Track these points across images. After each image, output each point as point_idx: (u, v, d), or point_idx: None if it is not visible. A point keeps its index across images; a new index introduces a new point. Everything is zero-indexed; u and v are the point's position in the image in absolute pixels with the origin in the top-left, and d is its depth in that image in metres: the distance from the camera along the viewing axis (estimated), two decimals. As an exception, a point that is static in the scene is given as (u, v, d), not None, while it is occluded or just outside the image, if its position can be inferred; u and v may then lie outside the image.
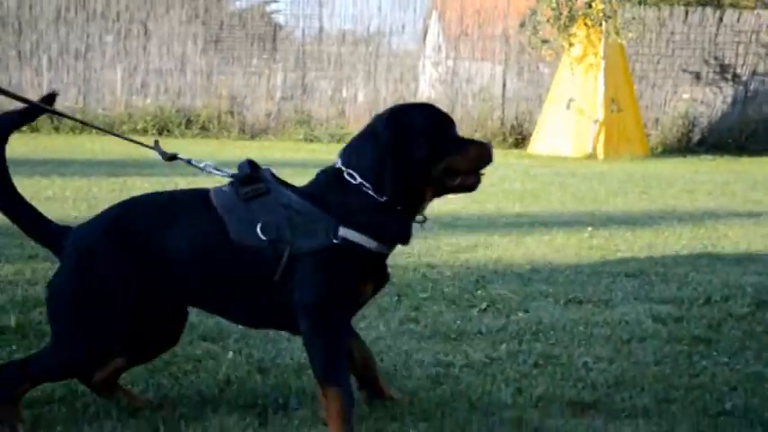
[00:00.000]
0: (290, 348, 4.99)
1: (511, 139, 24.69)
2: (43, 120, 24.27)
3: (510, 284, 6.85)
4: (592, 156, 21.84)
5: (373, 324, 5.57)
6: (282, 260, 3.90)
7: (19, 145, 19.94)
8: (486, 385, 4.46)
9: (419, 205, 4.19)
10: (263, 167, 4.14)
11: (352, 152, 4.09)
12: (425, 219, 4.28)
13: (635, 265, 7.74)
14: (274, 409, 4.06)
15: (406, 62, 26.66)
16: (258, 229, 3.92)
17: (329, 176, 4.07)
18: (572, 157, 21.58)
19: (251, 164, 4.14)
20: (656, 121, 25.22)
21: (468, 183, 4.19)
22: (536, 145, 23.04)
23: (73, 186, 12.03)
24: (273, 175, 4.13)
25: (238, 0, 27.34)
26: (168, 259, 3.98)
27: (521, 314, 5.94)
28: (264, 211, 3.97)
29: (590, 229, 9.68)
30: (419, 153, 4.01)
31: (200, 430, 3.79)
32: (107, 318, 3.93)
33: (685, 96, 25.97)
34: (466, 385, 4.46)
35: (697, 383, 4.60)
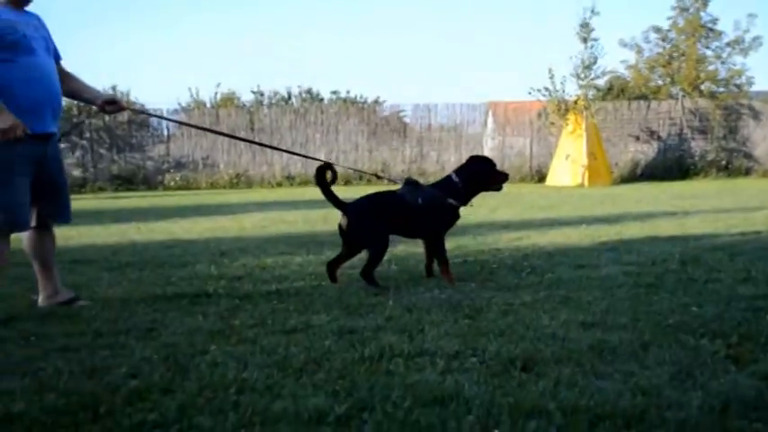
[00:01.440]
0: (423, 297, 4.89)
1: (536, 178, 24.37)
2: (284, 180, 24.63)
3: (542, 258, 6.73)
4: (581, 185, 21.50)
5: (467, 282, 5.49)
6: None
7: (272, 194, 20.33)
8: (533, 315, 4.35)
9: (474, 194, 5.72)
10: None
11: (458, 170, 5.73)
12: (473, 204, 5.79)
13: (611, 244, 7.54)
14: (417, 331, 3.98)
15: (476, 139, 26.46)
16: (419, 199, 5.50)
17: (446, 178, 5.73)
18: (570, 186, 21.26)
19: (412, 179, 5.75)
20: (616, 164, 24.70)
21: (497, 188, 5.76)
22: (550, 180, 22.79)
23: (300, 215, 12.12)
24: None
25: (384, 110, 27.22)
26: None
27: (549, 274, 5.80)
28: (419, 193, 5.55)
29: (584, 225, 9.46)
30: (482, 173, 5.73)
31: (377, 345, 3.70)
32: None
33: (632, 150, 25.48)
34: (522, 315, 4.35)
35: (652, 310, 4.45)
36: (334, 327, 4.14)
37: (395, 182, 5.97)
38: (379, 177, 7.00)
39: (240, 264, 6.75)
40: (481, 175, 5.70)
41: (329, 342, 3.82)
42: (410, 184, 5.65)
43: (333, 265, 5.62)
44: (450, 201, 5.58)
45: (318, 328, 4.12)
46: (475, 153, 31.12)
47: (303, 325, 4.21)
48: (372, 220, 5.42)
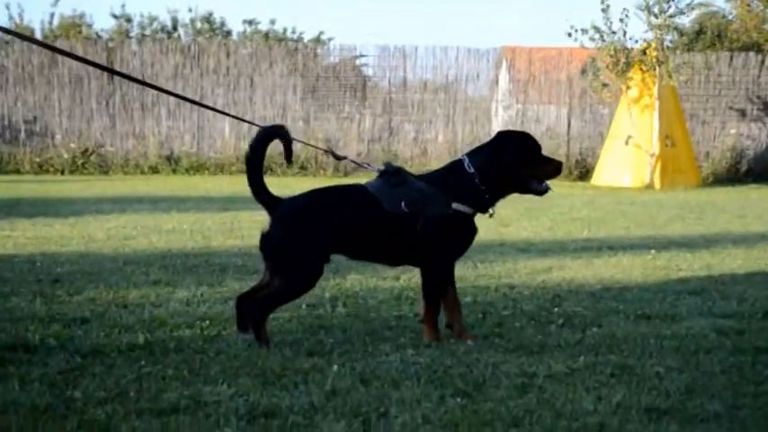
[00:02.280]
0: (388, 361, 4.91)
1: (576, 172, 24.52)
2: (162, 162, 24.60)
3: (583, 302, 6.77)
4: (649, 186, 21.73)
5: (450, 341, 5.49)
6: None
7: (141, 184, 20.26)
8: (568, 394, 4.37)
9: (501, 196, 5.64)
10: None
11: (476, 153, 5.61)
12: (493, 213, 5.67)
13: (696, 283, 7.62)
14: (377, 416, 3.98)
15: (481, 106, 26.66)
16: (402, 203, 5.34)
17: (454, 166, 5.62)
18: (631, 188, 21.48)
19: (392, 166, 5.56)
20: (707, 154, 25.01)
21: (539, 189, 5.66)
22: (599, 177, 22.97)
23: (189, 220, 12.07)
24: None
25: (330, 55, 27.31)
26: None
27: (595, 329, 5.84)
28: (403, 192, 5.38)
29: (653, 251, 9.54)
30: (515, 163, 5.53)
31: (310, 437, 3.70)
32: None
33: (732, 131, 25.79)
34: (550, 394, 4.37)
35: (762, 391, 4.50)
36: (239, 405, 4.11)
37: (366, 168, 5.95)
38: (337, 158, 6.08)
39: (85, 298, 6.67)
40: (517, 163, 5.55)
41: (231, 431, 3.79)
42: (391, 174, 5.47)
43: (244, 302, 5.49)
44: (459, 206, 5.43)
45: (214, 408, 4.08)
46: (479, 126, 31.46)
47: (188, 401, 4.17)
48: (302, 231, 5.31)
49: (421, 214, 5.34)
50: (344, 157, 6.10)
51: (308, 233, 5.31)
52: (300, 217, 5.37)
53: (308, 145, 7.56)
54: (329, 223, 5.34)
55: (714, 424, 3.96)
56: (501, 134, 5.74)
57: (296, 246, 5.31)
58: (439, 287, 5.50)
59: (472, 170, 5.48)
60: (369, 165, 6.02)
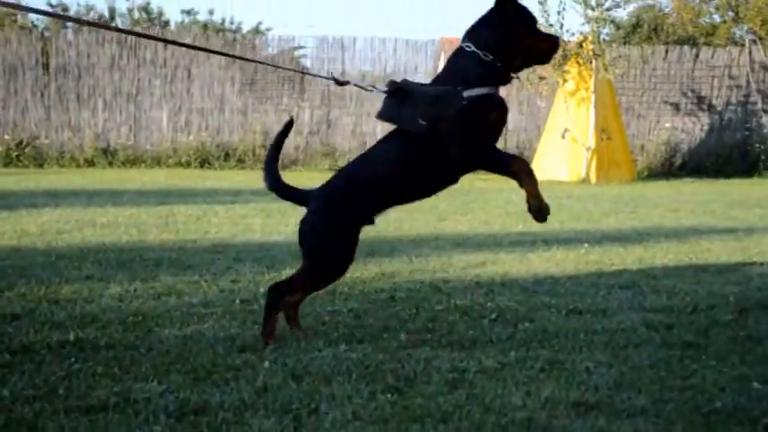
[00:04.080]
0: (320, 357, 4.91)
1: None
2: (98, 155, 24.43)
3: (516, 296, 6.81)
4: (585, 180, 21.94)
5: (393, 334, 5.51)
6: None
7: (76, 177, 20.10)
8: (498, 389, 4.39)
9: (518, 64, 5.32)
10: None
11: (474, 29, 5.31)
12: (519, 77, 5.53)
13: (628, 278, 7.69)
14: (307, 413, 3.99)
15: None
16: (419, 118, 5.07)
17: (454, 58, 5.34)
18: (567, 181, 21.66)
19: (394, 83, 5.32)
20: (642, 147, 25.26)
21: (543, 56, 5.50)
22: (536, 170, 22.80)
23: (124, 214, 12.00)
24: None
25: (269, 47, 27.24)
26: None
27: (527, 323, 5.87)
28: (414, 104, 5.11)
29: (586, 245, 9.64)
30: (522, 29, 5.26)
31: (240, 434, 3.70)
32: None
33: (667, 125, 26.07)
34: (480, 389, 4.39)
35: (689, 385, 4.54)
36: (169, 402, 4.10)
37: (370, 90, 5.73)
38: (339, 83, 5.91)
39: (16, 294, 6.61)
40: (520, 28, 5.31)
41: (160, 428, 3.78)
42: (393, 93, 5.27)
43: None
44: (472, 92, 5.10)
45: (144, 405, 4.07)
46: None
47: (118, 398, 4.15)
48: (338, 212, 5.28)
49: (440, 120, 5.07)
50: (347, 82, 5.95)
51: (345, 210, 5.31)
52: (339, 201, 5.34)
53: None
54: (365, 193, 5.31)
55: (641, 418, 4.00)
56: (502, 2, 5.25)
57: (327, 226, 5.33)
58: (506, 158, 5.42)
59: (472, 49, 5.19)
60: (373, 87, 5.67)
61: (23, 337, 5.30)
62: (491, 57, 5.14)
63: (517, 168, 5.28)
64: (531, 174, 5.30)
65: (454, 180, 5.39)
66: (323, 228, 5.30)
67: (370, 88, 5.71)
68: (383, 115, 5.31)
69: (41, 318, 5.83)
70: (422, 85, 5.44)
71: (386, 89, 5.28)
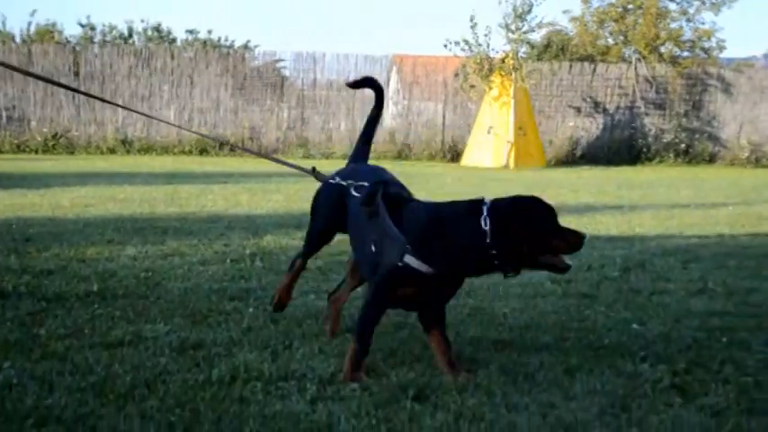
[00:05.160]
0: (294, 305, 4.89)
1: (449, 155, 24.68)
2: (118, 145, 24.23)
3: (450, 257, 6.81)
4: (506, 167, 21.95)
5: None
6: None
7: (100, 162, 19.93)
8: (433, 329, 4.42)
9: (514, 263, 3.65)
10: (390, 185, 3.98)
11: (497, 208, 3.62)
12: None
13: (537, 243, 7.71)
14: (282, 348, 4.01)
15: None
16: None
17: (472, 205, 3.68)
18: (492, 168, 21.65)
19: (378, 184, 3.93)
20: (551, 141, 25.30)
21: (559, 266, 3.69)
22: (466, 159, 23.12)
23: (138, 191, 11.92)
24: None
25: (256, 59, 27.05)
26: None
27: (458, 278, 5.89)
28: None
29: (505, 217, 9.61)
30: (528, 238, 3.59)
31: (229, 365, 3.70)
32: None
33: (570, 124, 26.14)
34: (418, 330, 4.34)
35: (583, 326, 4.62)
36: (173, 340, 4.11)
37: (344, 184, 4.19)
38: (315, 175, 4.45)
39: (51, 254, 6.58)
40: (531, 230, 3.63)
41: (165, 360, 3.79)
42: (365, 201, 3.90)
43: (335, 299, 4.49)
44: (413, 261, 3.65)
45: (152, 342, 4.07)
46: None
47: (132, 336, 4.16)
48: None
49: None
50: (323, 176, 4.38)
51: None
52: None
53: (269, 158, 4.97)
54: None
55: (546, 353, 4.05)
56: (516, 198, 3.77)
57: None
58: (366, 331, 3.75)
59: (486, 228, 3.59)
60: (351, 184, 4.10)
61: (56, 288, 5.28)
62: (495, 252, 3.60)
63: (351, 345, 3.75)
64: (354, 359, 3.69)
65: None
66: None
67: (348, 184, 4.11)
68: (353, 221, 4.04)
69: (71, 273, 5.81)
70: (413, 200, 3.93)
71: (361, 194, 3.97)
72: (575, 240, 3.67)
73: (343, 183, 4.15)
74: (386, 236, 3.68)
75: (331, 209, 4.26)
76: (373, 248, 3.74)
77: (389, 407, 3.26)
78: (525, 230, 3.59)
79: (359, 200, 3.93)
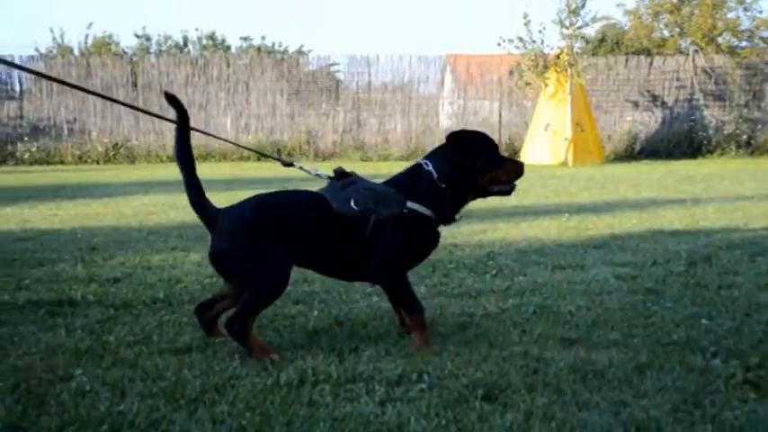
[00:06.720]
0: (358, 306, 4.92)
1: (506, 154, 24.50)
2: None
3: (512, 256, 6.81)
4: (564, 163, 21.83)
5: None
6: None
7: (161, 171, 20.14)
8: (499, 329, 4.41)
9: (464, 203, 4.32)
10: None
11: (432, 154, 4.29)
12: (461, 218, 4.36)
13: (600, 240, 7.68)
14: (349, 351, 4.00)
15: (430, 102, 26.70)
16: (352, 201, 4.08)
17: (414, 169, 4.29)
18: (550, 165, 21.53)
19: (342, 169, 4.30)
20: (609, 137, 25.14)
21: (505, 189, 4.32)
22: (524, 157, 22.97)
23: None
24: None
25: (310, 64, 27.21)
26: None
27: (521, 277, 5.88)
28: (354, 193, 4.11)
29: (566, 215, 9.61)
30: (476, 164, 4.22)
31: (297, 368, 3.70)
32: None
33: (628, 119, 25.97)
34: (485, 329, 4.40)
35: (651, 322, 4.55)
36: (240, 345, 4.12)
37: (314, 175, 4.54)
38: (285, 164, 4.72)
39: (117, 262, 6.66)
40: (476, 163, 4.23)
41: (234, 364, 3.80)
42: (339, 177, 4.26)
43: (204, 311, 4.31)
44: (415, 207, 4.13)
45: (220, 347, 4.09)
46: (429, 118, 31.50)
47: (200, 342, 4.19)
48: (259, 242, 3.99)
49: (371, 214, 4.07)
50: (292, 164, 4.68)
51: (263, 242, 3.99)
52: (252, 226, 4.05)
53: (247, 149, 6.14)
54: (280, 230, 4.01)
55: (614, 349, 4.00)
56: (456, 135, 4.31)
57: (257, 255, 3.98)
58: (411, 293, 4.21)
59: (432, 170, 4.20)
60: (318, 172, 4.49)
61: (124, 296, 5.34)
62: (444, 185, 4.16)
63: (413, 317, 4.19)
64: (421, 325, 4.16)
65: (353, 276, 4.38)
66: None
67: (314, 173, 4.51)
68: (321, 190, 4.23)
69: (137, 280, 5.87)
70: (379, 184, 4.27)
71: (332, 175, 4.28)
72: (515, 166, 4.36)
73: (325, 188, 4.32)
74: (376, 193, 4.13)
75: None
76: (353, 205, 4.07)
77: (459, 407, 3.25)
78: (463, 158, 4.21)
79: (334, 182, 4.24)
